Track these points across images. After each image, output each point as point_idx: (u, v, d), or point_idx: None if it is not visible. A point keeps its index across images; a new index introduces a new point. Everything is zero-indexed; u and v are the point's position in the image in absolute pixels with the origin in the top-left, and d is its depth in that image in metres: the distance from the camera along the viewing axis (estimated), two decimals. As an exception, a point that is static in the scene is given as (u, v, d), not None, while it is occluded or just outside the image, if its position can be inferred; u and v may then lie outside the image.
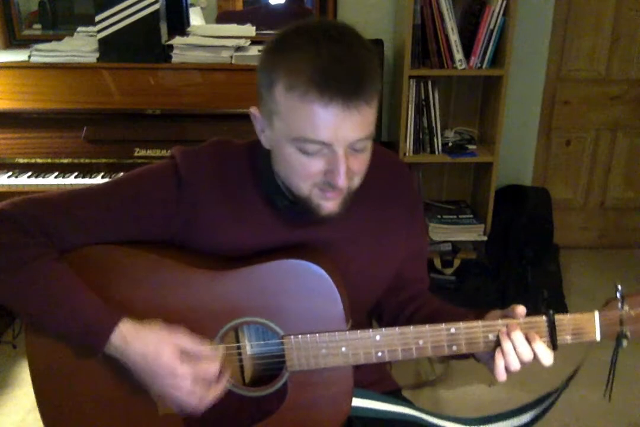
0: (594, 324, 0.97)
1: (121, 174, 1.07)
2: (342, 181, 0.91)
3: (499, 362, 0.94)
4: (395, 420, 1.11)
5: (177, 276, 1.00)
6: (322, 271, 0.97)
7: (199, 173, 1.03)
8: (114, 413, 1.03)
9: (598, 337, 0.97)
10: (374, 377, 1.19)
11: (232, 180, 1.04)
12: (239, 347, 1.03)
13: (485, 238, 2.77)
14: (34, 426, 2.11)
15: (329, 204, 0.96)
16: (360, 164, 0.95)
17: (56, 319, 0.95)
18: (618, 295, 0.97)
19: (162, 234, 1.04)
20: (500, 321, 0.97)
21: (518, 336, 0.94)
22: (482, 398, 2.26)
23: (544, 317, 0.97)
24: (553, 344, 0.97)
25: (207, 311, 0.99)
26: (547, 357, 0.94)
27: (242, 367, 1.04)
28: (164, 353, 0.94)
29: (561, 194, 3.29)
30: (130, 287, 1.01)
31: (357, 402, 1.08)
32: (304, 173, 0.93)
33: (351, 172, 0.93)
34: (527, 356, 0.94)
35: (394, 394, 1.20)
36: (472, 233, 2.78)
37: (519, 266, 2.77)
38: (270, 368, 1.03)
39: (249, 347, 1.05)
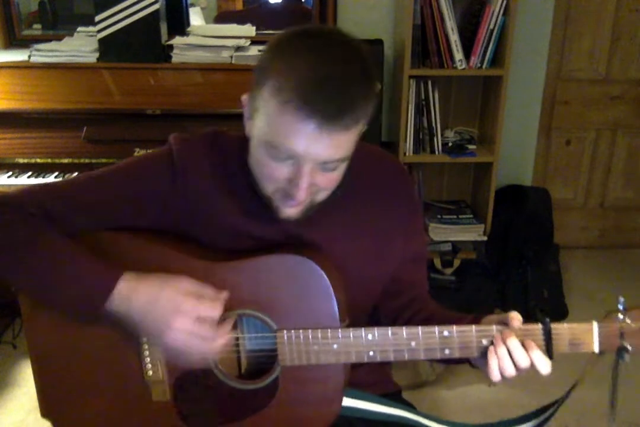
0: (592, 335, 0.94)
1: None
2: (301, 195, 0.92)
3: (492, 363, 0.93)
4: (395, 423, 1.11)
5: (176, 266, 1.00)
6: (317, 268, 0.97)
7: (193, 161, 1.03)
8: (109, 399, 1.05)
9: (596, 349, 0.95)
10: (374, 379, 1.18)
11: (225, 170, 1.04)
12: (237, 339, 1.03)
13: (485, 238, 2.77)
14: (34, 426, 2.11)
15: (289, 210, 0.97)
16: (328, 181, 0.95)
17: (59, 283, 0.95)
18: (620, 307, 0.94)
19: (160, 220, 1.04)
20: (494, 327, 0.95)
21: (514, 342, 0.92)
22: (482, 398, 2.26)
23: (540, 326, 0.95)
24: (549, 353, 0.94)
25: None
26: (544, 365, 0.92)
27: (239, 359, 1.05)
28: (169, 291, 0.93)
29: (561, 194, 3.29)
30: None
31: (357, 403, 1.08)
32: (268, 175, 0.94)
33: (316, 187, 0.93)
34: (524, 362, 0.92)
35: (394, 396, 1.19)
36: (472, 233, 2.78)
37: (519, 266, 2.78)
38: (265, 362, 1.03)
39: (244, 340, 1.05)
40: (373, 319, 1.19)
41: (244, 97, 0.98)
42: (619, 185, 3.34)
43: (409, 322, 1.12)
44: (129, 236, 1.03)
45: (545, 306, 2.73)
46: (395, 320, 1.14)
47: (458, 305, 2.56)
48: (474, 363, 1.01)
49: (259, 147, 0.93)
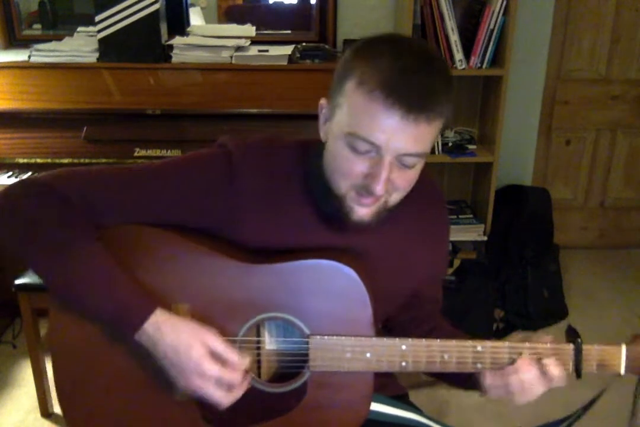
0: (620, 358, 0.97)
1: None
2: (379, 188, 0.91)
3: (513, 385, 0.97)
4: (404, 425, 1.11)
5: (210, 264, 1.00)
6: (355, 274, 0.98)
7: (251, 166, 1.02)
8: (130, 396, 1.03)
9: (622, 371, 0.98)
10: (381, 381, 1.17)
11: (279, 178, 1.03)
12: (258, 342, 1.03)
13: (485, 238, 2.77)
14: (34, 426, 2.11)
15: (362, 210, 0.96)
16: (404, 180, 0.94)
17: (91, 301, 0.95)
18: None
19: (203, 221, 1.02)
20: (527, 344, 0.97)
21: (532, 372, 0.96)
22: (482, 398, 2.25)
23: (571, 346, 0.97)
24: (577, 373, 0.97)
25: (236, 302, 1.00)
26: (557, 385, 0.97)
27: (259, 361, 1.04)
28: (194, 348, 0.94)
29: (561, 194, 3.29)
30: (161, 270, 1.01)
31: (372, 406, 1.07)
32: (346, 170, 0.93)
33: (392, 184, 0.93)
34: (541, 390, 0.97)
35: (401, 399, 1.19)
36: (472, 233, 2.78)
37: (519, 266, 2.77)
38: (289, 366, 1.02)
39: (271, 342, 1.05)
40: (384, 328, 1.19)
41: (322, 101, 0.98)
42: (619, 185, 3.33)
43: (427, 337, 1.11)
44: (164, 231, 1.01)
45: (545, 306, 2.73)
46: (410, 332, 1.13)
47: (458, 305, 2.56)
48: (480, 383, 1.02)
49: (338, 141, 0.93)
